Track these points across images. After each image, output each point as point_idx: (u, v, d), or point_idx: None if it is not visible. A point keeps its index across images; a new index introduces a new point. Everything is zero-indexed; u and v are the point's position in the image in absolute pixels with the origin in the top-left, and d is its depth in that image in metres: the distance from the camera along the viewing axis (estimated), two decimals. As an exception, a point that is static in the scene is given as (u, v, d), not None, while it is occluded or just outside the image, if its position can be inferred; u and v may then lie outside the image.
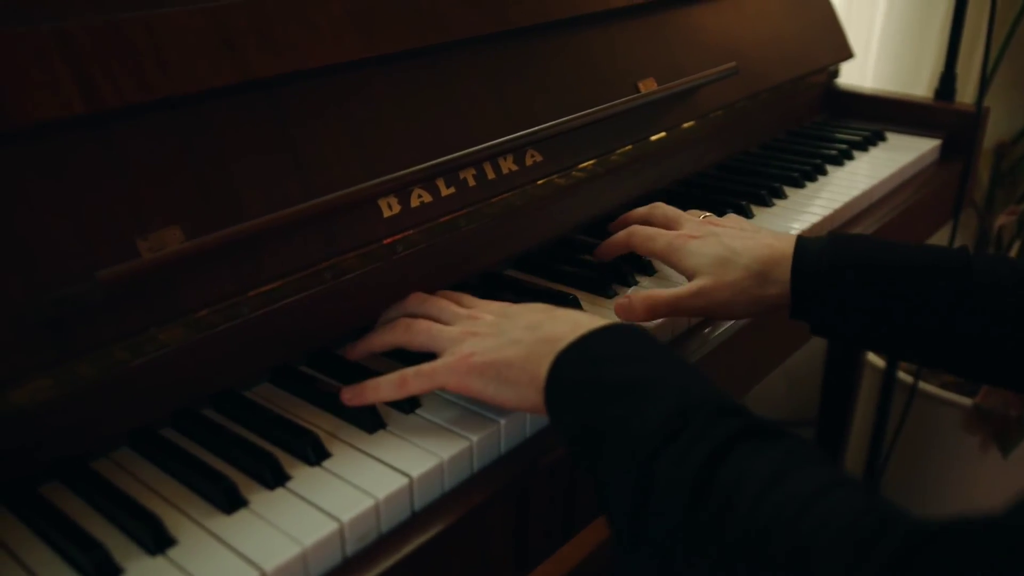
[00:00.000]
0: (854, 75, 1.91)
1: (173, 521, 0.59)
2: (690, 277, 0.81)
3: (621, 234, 0.89)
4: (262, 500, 0.61)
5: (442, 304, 0.75)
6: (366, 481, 0.63)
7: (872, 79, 1.88)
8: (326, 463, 0.65)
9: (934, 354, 0.73)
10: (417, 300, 0.78)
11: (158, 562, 0.56)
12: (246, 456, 0.64)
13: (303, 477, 0.63)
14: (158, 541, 0.57)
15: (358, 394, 0.69)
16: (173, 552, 0.57)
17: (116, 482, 0.62)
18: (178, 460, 0.64)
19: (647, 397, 0.57)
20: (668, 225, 0.88)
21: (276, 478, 0.62)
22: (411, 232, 0.83)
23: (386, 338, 0.74)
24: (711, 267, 0.78)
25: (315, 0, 0.78)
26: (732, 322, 0.88)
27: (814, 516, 0.45)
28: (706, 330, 0.88)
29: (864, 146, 1.32)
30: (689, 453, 0.52)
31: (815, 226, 1.06)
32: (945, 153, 1.37)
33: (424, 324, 0.72)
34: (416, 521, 0.63)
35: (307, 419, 0.70)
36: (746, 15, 1.28)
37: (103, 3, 0.68)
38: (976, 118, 1.34)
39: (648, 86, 1.09)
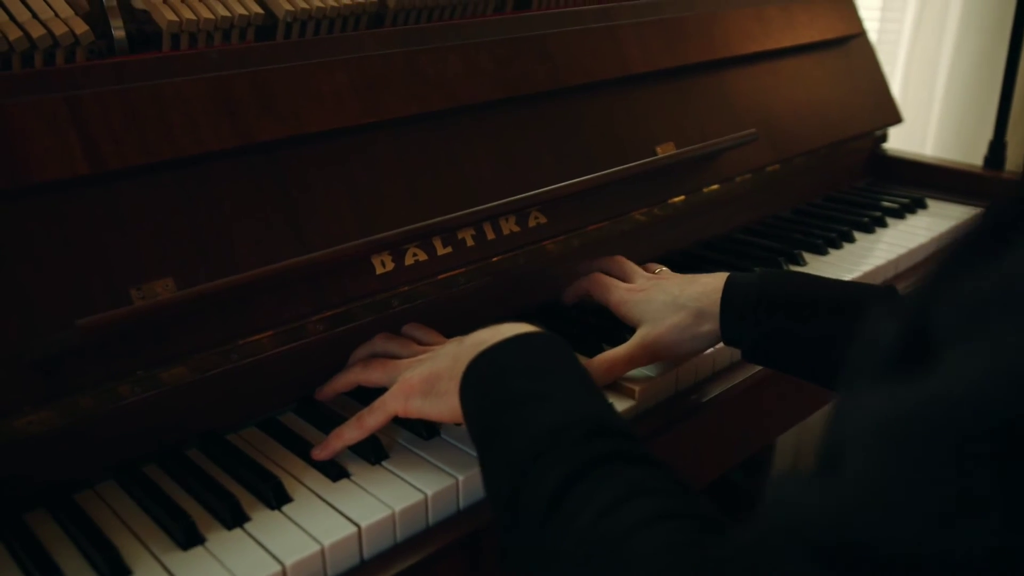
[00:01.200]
0: (914, 141, 1.88)
1: (134, 553, 0.64)
2: (636, 326, 0.85)
3: (582, 280, 0.94)
4: (219, 539, 0.65)
5: (403, 341, 0.80)
6: (318, 527, 0.66)
7: (932, 146, 1.85)
8: (286, 507, 0.69)
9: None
10: (382, 339, 0.82)
11: (112, 591, 0.61)
12: (211, 496, 0.68)
13: (261, 519, 0.67)
14: (115, 573, 0.62)
15: (324, 447, 0.73)
16: (128, 582, 0.61)
17: (92, 513, 0.68)
18: (150, 496, 0.69)
19: (533, 412, 0.59)
20: (623, 277, 0.92)
21: (235, 519, 0.67)
22: (405, 288, 0.87)
23: (348, 378, 0.80)
24: (655, 314, 0.84)
25: (320, 69, 0.83)
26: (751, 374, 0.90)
27: (633, 546, 0.47)
28: (692, 397, 0.89)
29: (901, 213, 1.30)
30: (550, 472, 0.54)
31: (828, 295, 1.05)
32: (991, 223, 1.34)
33: (379, 362, 0.77)
34: (364, 568, 0.66)
35: (279, 463, 0.74)
36: (781, 80, 1.29)
37: (120, 74, 0.75)
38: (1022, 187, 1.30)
39: (666, 150, 1.11)
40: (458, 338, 0.73)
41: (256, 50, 0.83)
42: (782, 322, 0.78)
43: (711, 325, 0.81)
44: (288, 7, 0.91)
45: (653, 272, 0.93)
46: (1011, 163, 1.46)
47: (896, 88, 1.94)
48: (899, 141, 1.94)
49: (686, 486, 0.53)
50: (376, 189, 0.86)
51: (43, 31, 0.79)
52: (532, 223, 0.97)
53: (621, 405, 0.82)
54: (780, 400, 0.98)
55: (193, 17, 0.87)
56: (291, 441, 0.77)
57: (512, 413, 0.60)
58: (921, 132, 1.82)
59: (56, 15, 0.81)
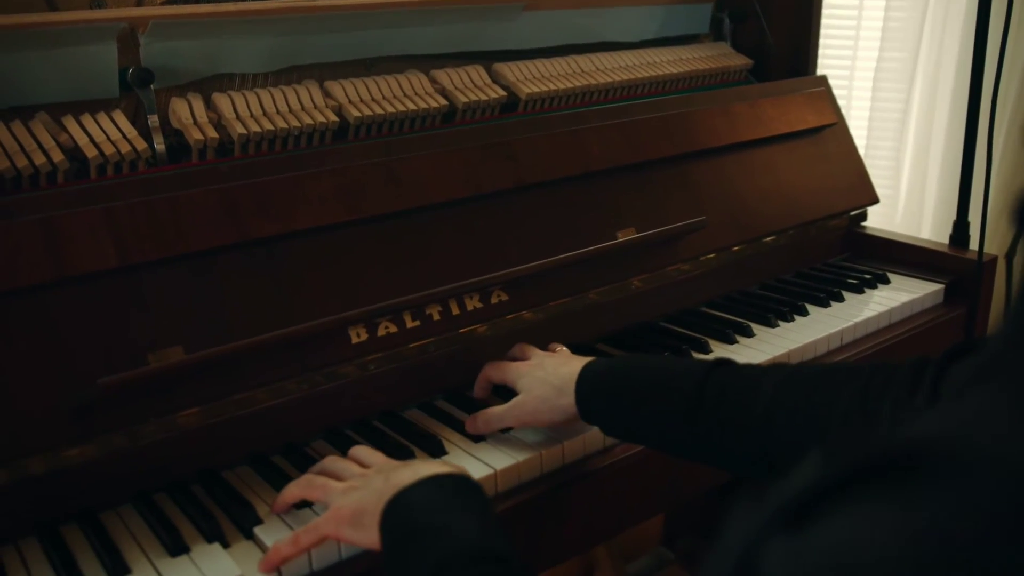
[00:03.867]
0: (911, 220, 1.99)
1: (133, 557, 0.83)
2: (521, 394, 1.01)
3: (481, 373, 1.09)
4: (200, 550, 0.84)
5: (346, 465, 0.89)
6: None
7: (930, 225, 1.95)
8: (256, 529, 0.87)
9: (688, 456, 0.88)
10: (330, 460, 0.91)
11: (114, 585, 0.80)
12: (198, 516, 0.88)
13: (234, 539, 0.86)
14: (117, 569, 0.81)
15: (266, 561, 0.82)
16: (126, 579, 0.81)
17: (109, 526, 0.88)
18: (153, 514, 0.89)
19: (432, 544, 0.72)
20: (522, 356, 1.08)
21: (214, 535, 0.86)
22: (379, 355, 1.06)
23: (294, 492, 0.88)
24: (529, 386, 0.99)
25: (308, 179, 1.04)
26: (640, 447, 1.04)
27: None
28: (617, 449, 1.04)
29: (860, 288, 1.43)
30: None
31: (764, 363, 1.19)
32: (952, 298, 1.45)
33: (320, 482, 0.87)
34: (312, 579, 0.84)
35: (260, 496, 0.93)
36: (748, 168, 1.45)
37: (148, 187, 0.97)
38: (978, 266, 1.42)
39: (627, 234, 1.27)
40: (390, 466, 0.85)
41: (260, 163, 1.04)
42: (622, 401, 0.91)
43: (568, 400, 0.95)
44: (282, 124, 1.12)
45: (553, 351, 1.08)
46: (989, 242, 1.57)
47: (905, 167, 2.06)
48: (899, 218, 2.06)
49: None
50: (353, 273, 1.06)
51: (96, 152, 1.02)
52: (495, 300, 1.15)
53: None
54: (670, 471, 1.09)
55: (214, 136, 1.09)
56: (273, 478, 0.96)
57: (414, 546, 0.72)
58: (916, 210, 1.93)
59: (108, 138, 1.05)
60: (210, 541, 0.86)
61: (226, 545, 0.86)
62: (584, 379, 0.95)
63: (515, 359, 1.09)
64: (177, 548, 0.84)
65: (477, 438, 1.02)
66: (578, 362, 0.98)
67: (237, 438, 0.98)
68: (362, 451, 0.93)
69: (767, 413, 0.81)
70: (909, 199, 2.03)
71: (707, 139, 1.40)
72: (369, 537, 0.79)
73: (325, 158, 1.08)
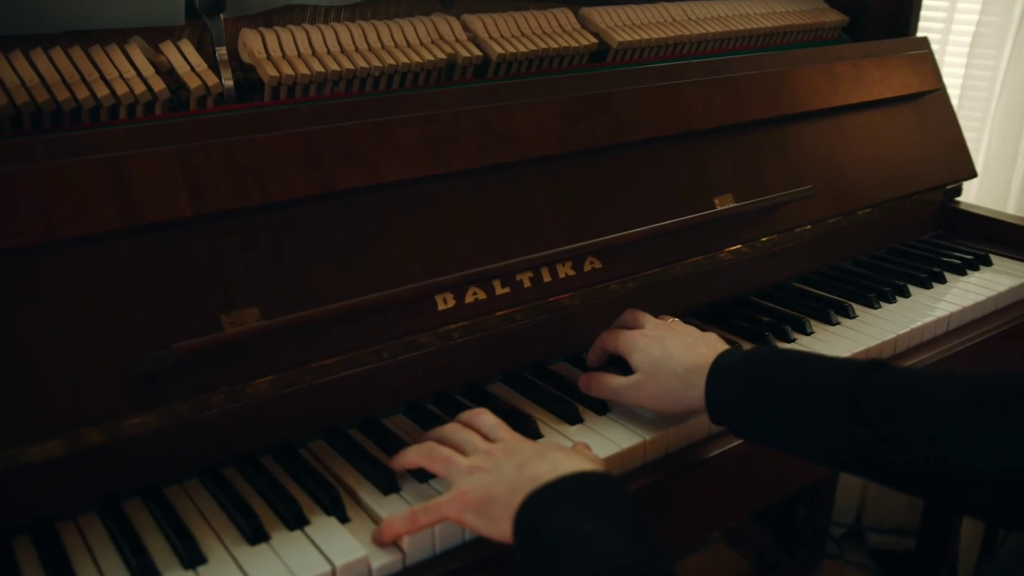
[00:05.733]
0: (992, 195, 1.89)
1: (208, 543, 0.75)
2: (635, 371, 0.91)
3: (597, 339, 1.00)
4: (281, 538, 0.76)
5: (468, 436, 0.81)
6: (367, 537, 0.76)
7: (1015, 202, 1.84)
8: (340, 515, 0.78)
9: (839, 466, 0.79)
10: (451, 428, 0.84)
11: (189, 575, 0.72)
12: (278, 500, 0.79)
13: (319, 524, 0.77)
14: (192, 558, 0.73)
15: (382, 533, 0.76)
16: (203, 569, 0.72)
17: (177, 505, 0.79)
18: (226, 494, 0.80)
19: (577, 555, 0.65)
20: (633, 324, 0.98)
21: (297, 521, 0.77)
22: (465, 323, 0.96)
23: (413, 459, 0.82)
24: (648, 365, 0.90)
25: (395, 125, 0.94)
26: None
27: None
28: (724, 437, 0.95)
29: (962, 269, 1.33)
30: None
31: (872, 349, 1.10)
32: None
33: (444, 454, 0.80)
34: (405, 573, 0.76)
35: (339, 475, 0.84)
36: (847, 134, 1.34)
37: (223, 128, 0.86)
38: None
39: (724, 202, 1.17)
40: (521, 449, 0.77)
41: (341, 105, 0.94)
42: (762, 403, 0.81)
43: (696, 394, 0.86)
44: (363, 64, 1.02)
45: (666, 322, 0.97)
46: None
47: (983, 142, 1.95)
48: (983, 195, 1.95)
49: None
50: (442, 234, 0.96)
51: (163, 86, 0.92)
52: (588, 268, 1.05)
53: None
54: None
55: (291, 72, 0.98)
56: (352, 455, 0.87)
57: (557, 554, 0.65)
58: (1004, 187, 1.82)
59: (174, 69, 0.94)
60: (292, 528, 0.77)
61: (306, 524, 0.77)
62: (718, 375, 0.85)
63: (626, 327, 0.99)
64: (256, 535, 0.75)
65: (573, 420, 0.93)
66: (704, 347, 0.89)
67: (312, 410, 0.89)
68: (484, 418, 0.83)
69: (939, 427, 0.71)
70: (990, 173, 1.91)
71: (809, 100, 1.29)
72: (498, 530, 0.72)
73: (412, 103, 0.97)
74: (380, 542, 0.76)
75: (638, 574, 0.62)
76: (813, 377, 0.80)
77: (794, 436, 0.80)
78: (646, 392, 0.89)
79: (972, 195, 2.02)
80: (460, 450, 0.80)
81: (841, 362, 0.82)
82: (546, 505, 0.70)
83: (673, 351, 0.89)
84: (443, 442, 0.82)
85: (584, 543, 0.65)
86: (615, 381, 0.92)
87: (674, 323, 0.97)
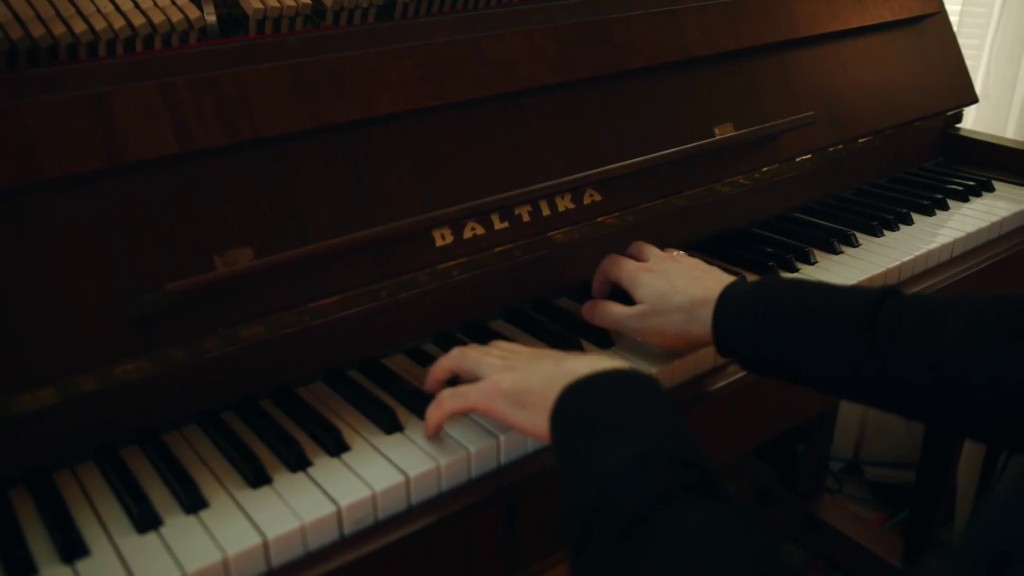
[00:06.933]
0: (991, 121, 1.86)
1: (210, 488, 0.73)
2: (639, 303, 0.89)
3: (600, 266, 0.97)
4: (284, 480, 0.74)
5: (492, 348, 0.82)
6: (371, 474, 0.74)
7: (1015, 127, 1.82)
8: (344, 455, 0.77)
9: (850, 393, 0.77)
10: (475, 345, 0.84)
11: (190, 520, 0.70)
12: (279, 442, 0.77)
13: (322, 465, 0.76)
14: (194, 503, 0.71)
15: (435, 409, 0.78)
16: (204, 513, 0.71)
17: (176, 451, 0.77)
18: (226, 438, 0.78)
19: (620, 439, 0.64)
20: (638, 256, 0.95)
21: (299, 463, 0.75)
22: (464, 260, 0.94)
23: (443, 363, 0.82)
24: (652, 298, 0.88)
25: (388, 56, 0.90)
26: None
27: (715, 568, 0.52)
28: (729, 368, 0.94)
29: (964, 196, 1.31)
30: (637, 493, 0.59)
31: (876, 276, 1.08)
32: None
33: (473, 352, 0.80)
34: (410, 513, 0.74)
35: (341, 415, 0.82)
36: (847, 60, 1.31)
37: (209, 61, 0.83)
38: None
39: (725, 131, 1.14)
40: (554, 354, 0.78)
41: (331, 37, 0.90)
42: (770, 331, 0.79)
43: (701, 329, 0.84)
44: (363, -5, 0.98)
45: (671, 255, 0.95)
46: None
47: (980, 68, 1.92)
48: (981, 121, 1.92)
49: (763, 527, 0.56)
50: (438, 168, 0.93)
51: (143, 20, 0.88)
52: (587, 200, 1.02)
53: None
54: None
55: (276, 4, 0.95)
56: (353, 396, 0.85)
57: (599, 439, 0.64)
58: (1004, 113, 1.79)
59: (155, 3, 0.90)
60: (294, 470, 0.75)
61: (310, 467, 0.75)
62: (725, 307, 0.83)
63: (629, 256, 0.96)
64: (259, 478, 0.74)
65: (576, 356, 0.91)
66: (710, 279, 0.87)
67: (310, 352, 0.87)
68: (501, 343, 0.83)
69: (958, 354, 0.70)
70: (991, 98, 1.88)
71: (809, 25, 1.25)
72: (530, 420, 0.72)
73: (404, 33, 0.94)
74: (427, 435, 0.78)
75: (687, 464, 0.60)
76: (822, 304, 0.78)
77: (803, 363, 0.78)
78: (650, 325, 0.88)
79: (970, 121, 2.00)
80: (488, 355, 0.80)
81: (850, 289, 0.80)
82: (588, 392, 0.69)
83: (678, 284, 0.87)
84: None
85: (628, 429, 0.64)
86: (619, 310, 0.90)
87: (679, 255, 0.95)
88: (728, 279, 0.87)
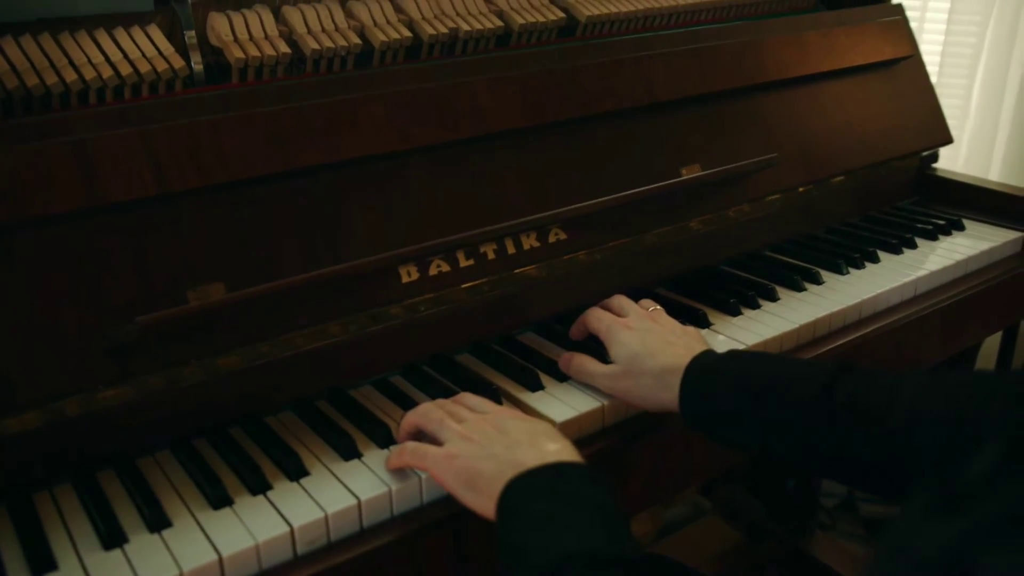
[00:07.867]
0: (977, 162, 1.89)
1: (175, 509, 0.78)
2: (613, 360, 0.93)
3: (582, 315, 1.01)
4: (244, 503, 0.79)
5: (457, 409, 0.85)
6: (326, 498, 0.79)
7: (1000, 168, 1.85)
8: (303, 480, 0.82)
9: (813, 469, 0.81)
10: (441, 401, 0.87)
11: (154, 538, 0.75)
12: (243, 467, 0.82)
13: (281, 488, 0.81)
14: (158, 522, 0.76)
15: (396, 457, 0.82)
16: (167, 532, 0.75)
17: (148, 474, 0.82)
18: (194, 463, 0.83)
19: (553, 537, 0.68)
20: (619, 312, 0.99)
21: (260, 487, 0.80)
22: (430, 296, 0.99)
23: (410, 418, 0.86)
24: (625, 359, 0.91)
25: (359, 102, 0.96)
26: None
27: None
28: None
29: (934, 234, 1.34)
30: None
31: (835, 314, 1.12)
32: (1031, 246, 1.36)
33: (438, 415, 0.83)
34: (363, 535, 0.79)
35: (304, 442, 0.87)
36: (818, 103, 1.35)
37: (186, 109, 0.89)
38: (1063, 213, 1.33)
39: (692, 171, 1.19)
40: (509, 427, 0.79)
41: (306, 85, 0.96)
42: (732, 406, 0.83)
43: (670, 396, 0.87)
44: (328, 44, 1.04)
45: (647, 310, 0.99)
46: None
47: (971, 109, 1.95)
48: (970, 163, 1.95)
49: None
50: (405, 207, 0.98)
51: (131, 70, 0.94)
52: (552, 239, 1.07)
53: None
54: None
55: (257, 54, 1.01)
56: (318, 424, 0.90)
57: (532, 537, 0.69)
58: (987, 154, 1.82)
59: (143, 55, 0.97)
60: (254, 493, 0.80)
61: (269, 490, 0.80)
62: (691, 380, 0.86)
63: (610, 309, 1.00)
64: (220, 500, 0.78)
65: (533, 387, 0.95)
66: (682, 347, 0.89)
67: (279, 382, 0.92)
68: (469, 398, 0.87)
69: (906, 426, 0.74)
70: (976, 140, 1.92)
71: (778, 70, 1.30)
72: (479, 504, 0.76)
73: (378, 80, 1.00)
74: (394, 465, 0.82)
75: (608, 559, 0.65)
76: (783, 380, 0.81)
77: (765, 438, 0.82)
78: (621, 386, 0.91)
79: (960, 163, 2.03)
80: (453, 417, 0.83)
81: (816, 368, 0.83)
82: (529, 489, 0.72)
83: (652, 347, 0.90)
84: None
85: (560, 528, 0.68)
86: (593, 367, 0.93)
87: (657, 314, 0.98)
88: (700, 347, 0.90)
